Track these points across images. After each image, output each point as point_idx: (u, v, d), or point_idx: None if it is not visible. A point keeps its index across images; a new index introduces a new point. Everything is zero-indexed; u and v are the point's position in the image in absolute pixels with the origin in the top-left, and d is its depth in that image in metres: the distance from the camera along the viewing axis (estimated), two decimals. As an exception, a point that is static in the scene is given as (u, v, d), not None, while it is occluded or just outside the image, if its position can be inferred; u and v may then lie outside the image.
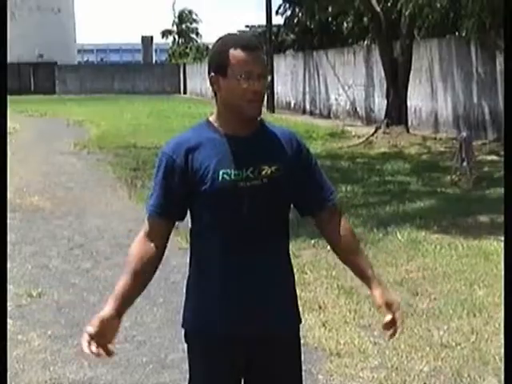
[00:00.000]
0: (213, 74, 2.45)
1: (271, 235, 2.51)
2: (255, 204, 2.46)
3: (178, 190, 2.47)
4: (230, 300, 2.48)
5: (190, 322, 2.57)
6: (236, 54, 2.41)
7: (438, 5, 16.35)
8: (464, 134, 11.25)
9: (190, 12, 64.30)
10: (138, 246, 2.51)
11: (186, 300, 2.59)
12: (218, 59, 2.44)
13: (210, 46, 2.61)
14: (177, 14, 63.42)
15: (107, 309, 2.42)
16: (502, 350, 4.48)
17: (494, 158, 13.59)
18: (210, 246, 2.49)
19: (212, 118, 2.53)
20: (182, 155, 2.46)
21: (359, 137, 17.87)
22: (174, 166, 2.46)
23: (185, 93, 49.33)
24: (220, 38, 2.51)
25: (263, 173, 2.45)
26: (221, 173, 2.42)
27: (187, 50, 59.06)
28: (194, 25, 64.00)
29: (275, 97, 29.11)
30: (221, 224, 2.46)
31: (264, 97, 2.51)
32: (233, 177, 2.43)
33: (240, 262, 2.47)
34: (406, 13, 16.43)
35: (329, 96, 25.87)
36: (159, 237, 2.51)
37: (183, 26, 62.89)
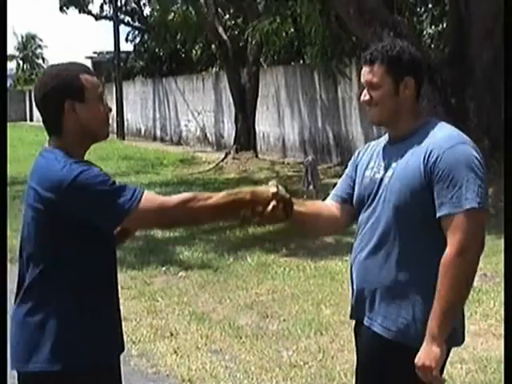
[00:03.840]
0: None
1: None
2: None
3: None
4: None
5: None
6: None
7: (284, 33, 16.92)
8: (310, 158, 11.59)
9: (34, 37, 62.75)
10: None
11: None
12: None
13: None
14: (20, 39, 61.73)
15: None
16: (347, 366, 4.67)
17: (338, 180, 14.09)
18: None
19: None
20: None
21: (209, 163, 18.05)
22: None
23: (31, 120, 47.84)
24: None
25: None
26: None
27: (33, 76, 57.49)
28: (39, 50, 62.51)
29: (125, 124, 28.88)
30: None
31: None
32: None
33: None
34: (253, 42, 16.84)
35: (179, 122, 25.97)
36: None
37: (26, 51, 61.23)
